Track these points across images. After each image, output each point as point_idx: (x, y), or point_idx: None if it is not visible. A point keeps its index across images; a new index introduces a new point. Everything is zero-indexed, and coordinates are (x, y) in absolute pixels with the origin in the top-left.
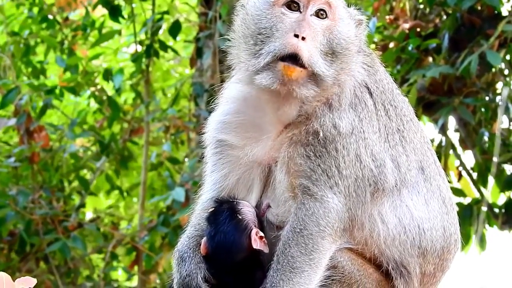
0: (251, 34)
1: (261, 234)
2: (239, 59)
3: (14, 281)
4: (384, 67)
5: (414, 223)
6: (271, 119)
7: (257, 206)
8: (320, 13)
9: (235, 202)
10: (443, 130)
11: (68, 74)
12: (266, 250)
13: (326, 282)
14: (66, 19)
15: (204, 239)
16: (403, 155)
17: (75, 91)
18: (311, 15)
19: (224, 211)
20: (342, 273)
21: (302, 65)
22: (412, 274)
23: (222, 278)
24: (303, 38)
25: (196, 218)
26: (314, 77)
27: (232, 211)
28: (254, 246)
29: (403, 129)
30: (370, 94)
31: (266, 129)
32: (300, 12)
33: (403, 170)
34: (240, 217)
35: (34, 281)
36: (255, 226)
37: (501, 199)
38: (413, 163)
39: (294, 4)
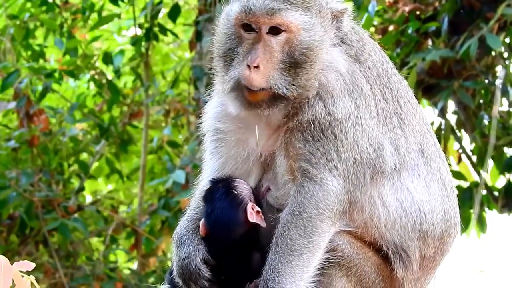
0: (221, 54)
1: (258, 208)
2: (215, 71)
3: (13, 264)
4: (384, 49)
5: (415, 206)
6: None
7: (257, 189)
8: (275, 31)
9: (230, 180)
10: (442, 113)
11: (67, 57)
12: (263, 224)
13: (325, 264)
14: (66, 2)
15: (203, 219)
16: (402, 138)
17: (74, 74)
18: (266, 33)
19: (220, 188)
20: (341, 256)
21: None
22: (412, 258)
23: (221, 257)
24: (256, 66)
25: (195, 202)
26: (278, 94)
27: (228, 188)
28: (250, 220)
29: (401, 112)
30: (366, 79)
31: (260, 127)
32: (257, 32)
33: (402, 153)
34: (236, 193)
35: (32, 265)
36: (251, 201)
37: (501, 182)
38: (412, 145)
39: (249, 26)
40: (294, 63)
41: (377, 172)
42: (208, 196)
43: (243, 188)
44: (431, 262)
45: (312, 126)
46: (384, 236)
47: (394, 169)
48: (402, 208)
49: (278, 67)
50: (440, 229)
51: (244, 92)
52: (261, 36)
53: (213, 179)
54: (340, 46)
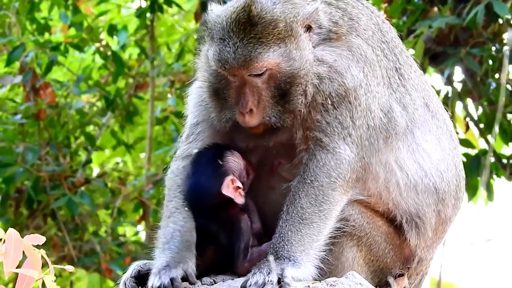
0: (211, 92)
1: (239, 184)
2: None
3: (22, 237)
4: (391, 19)
5: (433, 166)
6: None
7: (267, 164)
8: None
9: (223, 149)
10: (449, 80)
11: (72, 31)
12: (238, 200)
13: (336, 233)
14: None
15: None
16: (407, 95)
17: (80, 47)
18: (249, 75)
19: (209, 154)
20: (353, 226)
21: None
22: (427, 224)
23: (199, 223)
24: (250, 110)
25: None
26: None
27: (216, 156)
28: (224, 192)
29: (400, 66)
30: (366, 43)
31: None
32: (241, 76)
33: (410, 110)
34: (221, 163)
35: (43, 238)
36: (234, 175)
37: (508, 150)
38: (417, 100)
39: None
40: (283, 93)
41: (391, 135)
42: (195, 159)
43: (232, 160)
44: (446, 224)
45: (333, 96)
46: (398, 205)
47: (407, 128)
48: (422, 170)
49: (269, 103)
50: (453, 186)
51: (245, 128)
52: (245, 80)
53: (209, 144)
54: (325, 40)
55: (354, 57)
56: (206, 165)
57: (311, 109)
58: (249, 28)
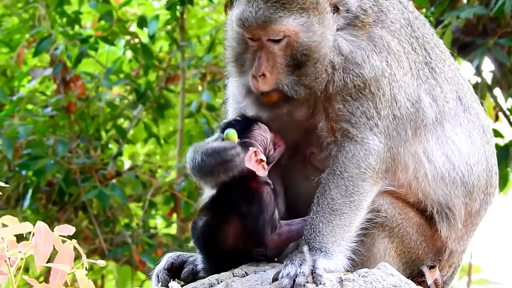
0: (232, 58)
1: (262, 157)
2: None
3: (52, 230)
4: (419, 9)
5: (462, 159)
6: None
7: (300, 154)
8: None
9: (250, 121)
10: (478, 71)
11: (102, 23)
12: (260, 173)
13: (368, 224)
14: None
15: None
16: (437, 87)
17: (109, 41)
18: (267, 40)
19: (237, 126)
20: (385, 217)
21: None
22: (457, 216)
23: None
24: (262, 75)
25: None
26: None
27: (244, 128)
28: (245, 163)
29: (430, 60)
30: (392, 35)
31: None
32: (259, 39)
33: (440, 103)
34: (246, 134)
35: (72, 229)
36: (258, 147)
37: None
38: (448, 93)
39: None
40: (298, 64)
41: (419, 127)
42: (223, 129)
43: (258, 134)
44: (475, 217)
45: (349, 88)
46: (428, 195)
47: (436, 120)
48: (450, 163)
49: (283, 70)
50: (484, 181)
51: (259, 96)
52: (262, 44)
53: (238, 117)
54: (349, 25)
55: (376, 47)
56: None
57: (330, 98)
58: None
